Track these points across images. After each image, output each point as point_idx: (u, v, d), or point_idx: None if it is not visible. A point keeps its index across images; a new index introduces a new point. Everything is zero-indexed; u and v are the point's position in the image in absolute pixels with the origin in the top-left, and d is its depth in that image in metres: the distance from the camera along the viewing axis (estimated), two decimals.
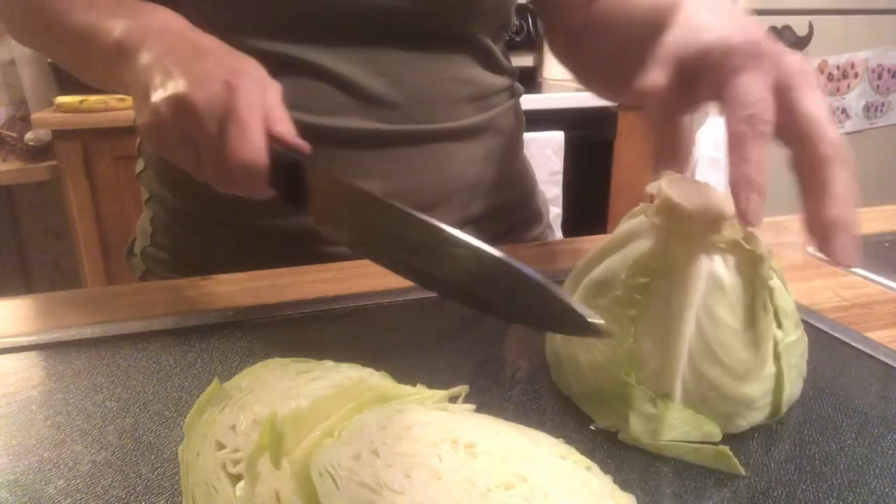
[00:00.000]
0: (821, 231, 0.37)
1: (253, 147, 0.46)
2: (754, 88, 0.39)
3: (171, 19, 0.54)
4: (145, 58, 0.50)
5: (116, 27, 0.53)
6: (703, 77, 0.44)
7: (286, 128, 0.48)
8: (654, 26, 0.54)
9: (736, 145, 0.37)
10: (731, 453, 0.37)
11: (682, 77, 0.44)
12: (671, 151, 0.43)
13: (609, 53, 0.69)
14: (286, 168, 0.46)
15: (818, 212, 0.37)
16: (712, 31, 0.44)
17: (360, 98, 0.63)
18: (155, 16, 0.54)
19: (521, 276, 0.34)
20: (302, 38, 0.62)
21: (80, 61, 0.61)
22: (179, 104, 0.47)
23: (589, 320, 0.32)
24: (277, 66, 0.62)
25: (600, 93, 0.76)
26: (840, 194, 0.36)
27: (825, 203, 0.37)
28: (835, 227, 0.36)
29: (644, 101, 0.44)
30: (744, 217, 0.36)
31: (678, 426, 0.38)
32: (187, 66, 0.48)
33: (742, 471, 0.37)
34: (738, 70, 0.39)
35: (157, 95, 0.47)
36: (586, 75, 0.76)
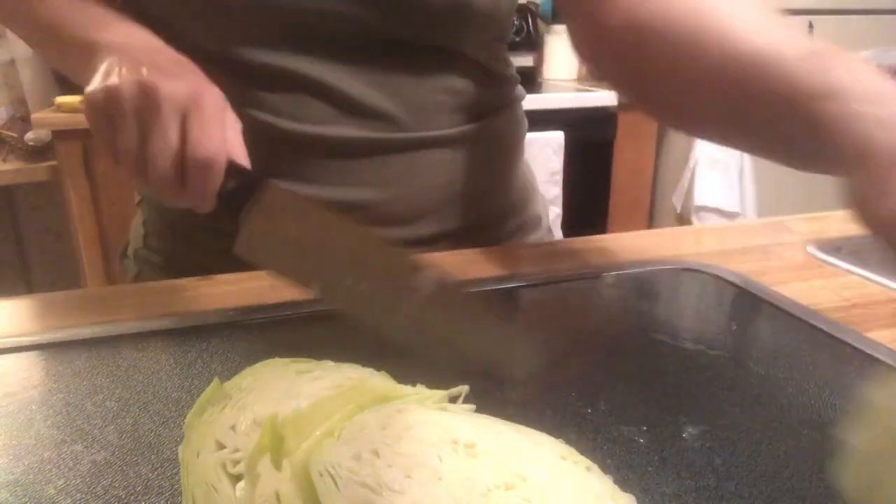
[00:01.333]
0: None
1: (215, 141, 0.45)
2: None
3: (146, 35, 0.54)
4: (120, 54, 0.49)
5: (89, 32, 0.53)
6: None
7: (244, 160, 0.48)
8: (787, 102, 0.44)
9: None
10: None
11: None
12: None
13: (671, 77, 0.54)
14: (238, 182, 0.46)
15: None
16: None
17: (352, 108, 0.63)
18: (132, 31, 0.54)
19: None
20: (294, 49, 0.61)
21: (48, 49, 0.62)
22: (141, 86, 0.46)
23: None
24: (269, 78, 0.62)
25: (660, 118, 0.63)
26: None
27: None
28: None
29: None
30: None
31: None
32: (160, 67, 0.48)
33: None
34: None
35: (120, 75, 0.47)
36: (635, 93, 0.61)
